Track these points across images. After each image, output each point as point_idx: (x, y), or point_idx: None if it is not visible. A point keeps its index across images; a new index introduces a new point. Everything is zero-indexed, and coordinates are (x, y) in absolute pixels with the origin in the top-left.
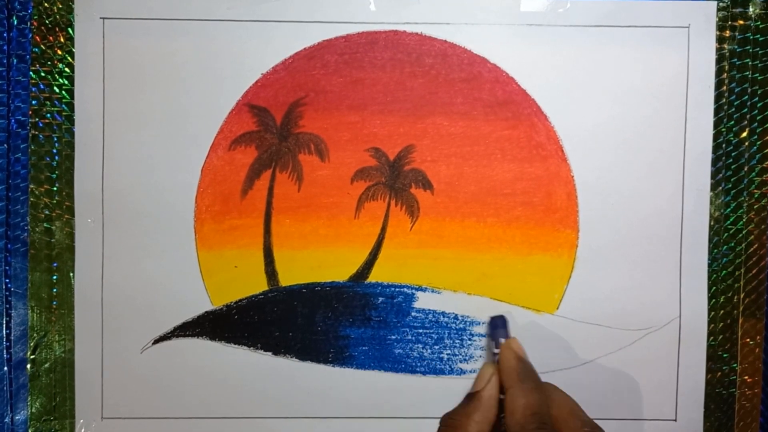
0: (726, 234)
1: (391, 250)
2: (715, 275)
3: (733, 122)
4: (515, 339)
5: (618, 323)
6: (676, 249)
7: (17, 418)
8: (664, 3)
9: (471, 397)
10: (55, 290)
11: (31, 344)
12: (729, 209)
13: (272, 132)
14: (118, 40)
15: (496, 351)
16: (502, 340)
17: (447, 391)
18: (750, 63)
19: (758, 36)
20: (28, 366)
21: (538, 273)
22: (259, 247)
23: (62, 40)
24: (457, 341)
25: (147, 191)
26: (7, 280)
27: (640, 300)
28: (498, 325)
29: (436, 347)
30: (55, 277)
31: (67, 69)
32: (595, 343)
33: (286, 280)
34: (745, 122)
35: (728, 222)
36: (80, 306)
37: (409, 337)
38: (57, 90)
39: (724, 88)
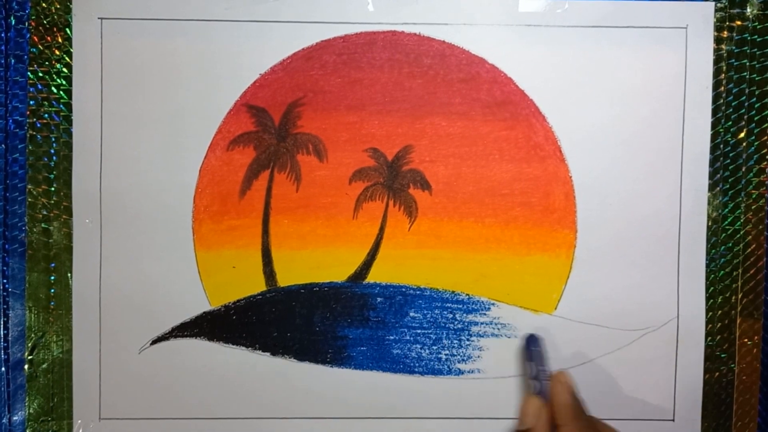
0: (724, 234)
1: (389, 251)
2: (713, 275)
3: (730, 123)
4: (565, 372)
5: (616, 323)
6: (674, 249)
7: (15, 418)
8: (662, 4)
9: None
10: (52, 291)
11: (29, 345)
12: (727, 210)
13: (270, 132)
14: (115, 41)
15: (539, 379)
16: (545, 370)
17: (445, 392)
18: (748, 64)
19: (756, 37)
20: (26, 366)
21: (536, 273)
22: (258, 247)
23: (60, 40)
24: (455, 341)
25: (145, 191)
26: (5, 281)
27: (638, 300)
28: (534, 345)
29: (435, 347)
30: (52, 278)
31: (64, 69)
32: (593, 343)
33: (284, 280)
34: (743, 123)
35: (726, 222)
36: (78, 306)
37: (408, 338)
38: (55, 90)
39: (722, 88)
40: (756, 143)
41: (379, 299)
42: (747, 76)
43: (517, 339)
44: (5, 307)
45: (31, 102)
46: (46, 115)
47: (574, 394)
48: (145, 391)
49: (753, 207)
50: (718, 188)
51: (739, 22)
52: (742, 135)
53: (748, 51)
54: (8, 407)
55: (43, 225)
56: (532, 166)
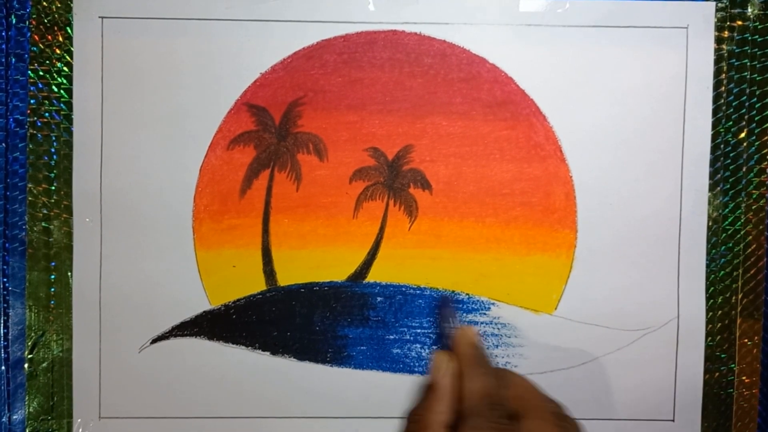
0: (724, 234)
1: (389, 250)
2: (713, 276)
3: (731, 123)
4: (470, 326)
5: (616, 323)
6: (674, 249)
7: (15, 417)
8: (663, 3)
9: (429, 389)
10: (53, 290)
11: (29, 343)
12: (727, 210)
13: (271, 132)
14: (116, 40)
15: (448, 337)
16: (453, 326)
17: None
18: (748, 63)
19: (756, 37)
20: (26, 365)
21: (536, 273)
22: (258, 246)
23: (61, 39)
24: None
25: (145, 191)
26: (5, 280)
27: (639, 300)
28: (447, 306)
29: (435, 347)
30: (53, 277)
31: (65, 68)
32: (594, 343)
33: (284, 279)
34: (744, 123)
35: (726, 222)
36: (78, 305)
37: (407, 337)
38: (55, 89)
39: (723, 88)
40: (756, 143)
41: (379, 299)
42: (748, 76)
43: (517, 339)
44: (5, 305)
45: (32, 101)
46: (47, 114)
47: (476, 345)
48: (145, 390)
49: (753, 207)
50: (719, 188)
51: (739, 22)
52: (742, 135)
53: (749, 51)
54: (8, 406)
55: (43, 224)
56: (533, 165)
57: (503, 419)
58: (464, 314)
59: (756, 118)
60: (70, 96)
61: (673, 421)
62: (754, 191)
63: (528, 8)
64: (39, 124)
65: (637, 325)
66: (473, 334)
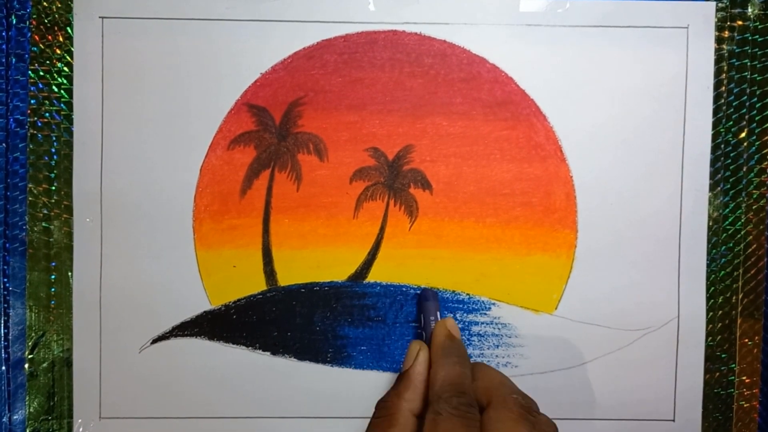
0: (724, 234)
1: (389, 250)
2: (713, 276)
3: (731, 123)
4: (450, 318)
5: (616, 323)
6: (674, 249)
7: (15, 417)
8: (663, 3)
9: (401, 377)
10: (53, 290)
11: (29, 344)
12: (727, 210)
13: (271, 132)
14: (117, 40)
15: (429, 327)
16: (433, 319)
17: None
18: (749, 63)
19: (757, 36)
20: (26, 365)
21: (536, 273)
22: (258, 246)
23: (61, 39)
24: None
25: (146, 191)
26: (6, 280)
27: (639, 300)
28: (428, 299)
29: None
30: (53, 277)
31: (65, 68)
32: (594, 343)
33: (284, 279)
34: (744, 123)
35: (727, 222)
36: (78, 305)
37: (408, 337)
38: (56, 89)
39: (723, 88)
40: (757, 143)
41: (379, 299)
42: (748, 76)
43: (517, 339)
44: (6, 305)
45: (32, 101)
46: (47, 114)
47: (451, 336)
48: (145, 390)
49: (754, 207)
50: (719, 188)
51: (740, 22)
52: (743, 135)
53: (749, 51)
54: (8, 406)
55: (43, 224)
56: (533, 166)
57: (466, 406)
58: (464, 314)
59: (756, 118)
60: (71, 96)
61: (673, 421)
62: (754, 191)
63: (528, 8)
64: (39, 124)
65: (638, 325)
66: (451, 325)
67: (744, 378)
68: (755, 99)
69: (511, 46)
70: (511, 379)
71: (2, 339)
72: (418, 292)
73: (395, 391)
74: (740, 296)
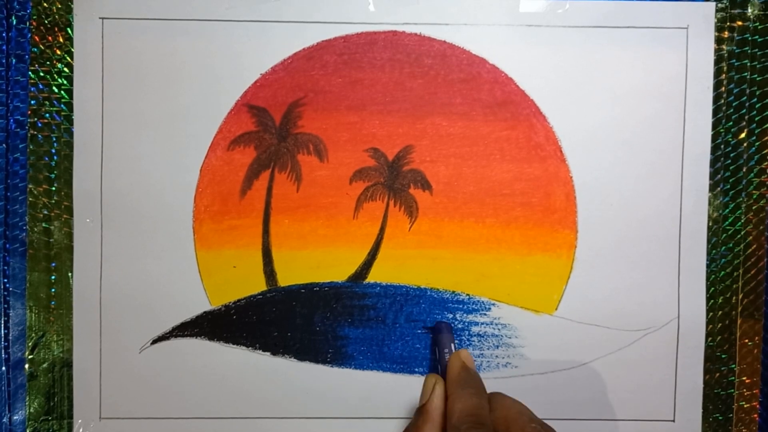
0: (724, 235)
1: (389, 251)
2: (713, 276)
3: (731, 123)
4: (464, 349)
5: (617, 324)
6: (674, 250)
7: (15, 418)
8: (663, 4)
9: (419, 412)
10: (53, 290)
11: (30, 344)
12: (727, 210)
13: (271, 132)
14: (117, 40)
15: (444, 359)
16: (447, 351)
17: None
18: (748, 64)
19: (757, 37)
20: (26, 366)
21: (536, 273)
22: (258, 247)
23: (61, 40)
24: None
25: (146, 191)
26: (6, 280)
27: (639, 301)
28: (442, 331)
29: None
30: (53, 277)
31: (66, 69)
32: (594, 343)
33: (284, 280)
34: (744, 123)
35: (727, 223)
36: (79, 306)
37: (408, 338)
38: (56, 90)
39: (723, 89)
40: (757, 143)
41: (379, 299)
42: (748, 77)
43: (518, 339)
44: (6, 306)
45: (32, 102)
46: (47, 115)
47: (467, 368)
48: (145, 390)
49: (754, 207)
50: (719, 188)
51: (740, 23)
52: (742, 135)
53: (749, 51)
54: (9, 406)
55: (43, 224)
56: (533, 166)
57: None
58: (464, 314)
59: (756, 118)
60: (71, 97)
61: (673, 421)
62: (754, 191)
63: (528, 9)
64: (39, 124)
65: (638, 325)
66: (466, 356)
67: (744, 378)
68: (755, 99)
69: (511, 46)
70: (529, 408)
71: (2, 339)
72: (431, 326)
73: (414, 426)
74: (740, 296)
